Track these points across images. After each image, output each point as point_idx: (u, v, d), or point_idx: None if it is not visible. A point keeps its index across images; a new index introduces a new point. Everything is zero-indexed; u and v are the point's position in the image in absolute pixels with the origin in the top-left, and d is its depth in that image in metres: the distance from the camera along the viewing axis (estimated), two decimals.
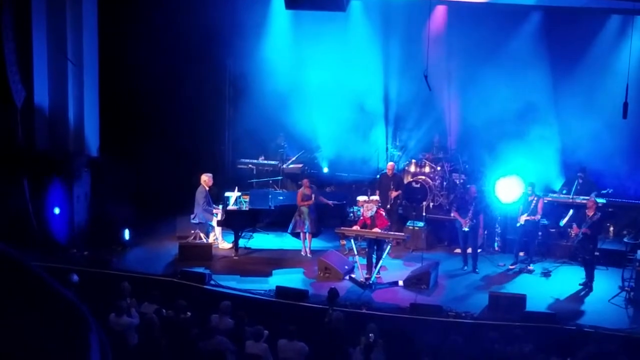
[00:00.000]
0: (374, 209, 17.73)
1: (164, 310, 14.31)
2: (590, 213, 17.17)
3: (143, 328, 13.47)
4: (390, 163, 21.14)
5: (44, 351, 1.01)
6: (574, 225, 17.59)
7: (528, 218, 18.17)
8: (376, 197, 18.76)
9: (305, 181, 19.45)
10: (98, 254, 18.11)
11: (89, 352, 1.08)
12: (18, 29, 16.77)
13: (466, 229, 18.22)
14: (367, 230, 17.56)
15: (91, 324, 1.09)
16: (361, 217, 18.20)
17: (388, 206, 19.64)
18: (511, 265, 18.46)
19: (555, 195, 19.93)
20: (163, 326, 13.57)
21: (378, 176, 21.69)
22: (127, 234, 18.96)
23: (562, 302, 16.19)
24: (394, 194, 20.29)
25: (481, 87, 20.86)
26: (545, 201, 18.67)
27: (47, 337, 1.03)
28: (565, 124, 20.45)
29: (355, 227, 17.88)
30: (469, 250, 18.37)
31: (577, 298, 16.58)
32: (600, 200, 18.86)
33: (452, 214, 18.97)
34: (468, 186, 19.48)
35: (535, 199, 18.28)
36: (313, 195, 19.08)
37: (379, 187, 20.42)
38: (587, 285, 17.01)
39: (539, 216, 18.24)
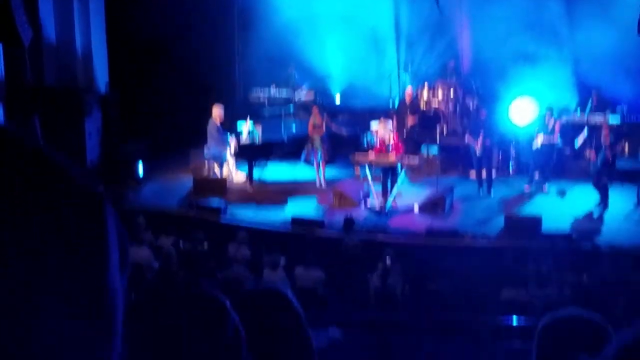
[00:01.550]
0: (390, 128, 17.61)
1: (180, 243, 14.37)
2: (606, 141, 17.03)
3: (161, 261, 13.54)
4: (409, 88, 21.00)
5: (53, 224, 0.97)
6: (592, 152, 17.50)
7: (546, 140, 18.05)
8: (388, 123, 18.53)
9: (314, 109, 19.33)
10: (112, 191, 18.14)
11: (105, 226, 1.04)
12: None
13: (479, 153, 18.16)
14: (381, 157, 17.49)
15: (104, 196, 1.05)
16: (376, 145, 18.10)
17: (405, 133, 19.54)
18: (526, 186, 18.41)
19: (569, 115, 19.78)
20: (180, 259, 13.64)
21: (394, 103, 21.58)
22: (140, 169, 18.97)
23: (577, 222, 16.16)
24: (410, 120, 20.18)
25: (494, 8, 20.60)
26: (562, 122, 18.55)
27: (58, 211, 0.99)
28: (579, 42, 20.23)
29: (370, 153, 17.80)
30: (484, 174, 18.32)
31: (593, 217, 16.54)
32: (615, 119, 18.75)
33: (465, 139, 18.89)
34: (479, 109, 19.38)
35: (552, 120, 18.16)
36: (324, 123, 18.99)
37: (396, 113, 20.30)
38: (603, 204, 16.94)
39: (557, 138, 18.13)
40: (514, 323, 11.04)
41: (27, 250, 0.96)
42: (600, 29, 19.61)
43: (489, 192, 18.07)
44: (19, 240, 0.96)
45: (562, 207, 17.28)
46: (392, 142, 17.45)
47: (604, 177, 16.95)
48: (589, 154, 17.50)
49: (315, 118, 19.01)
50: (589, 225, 16.01)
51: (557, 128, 18.10)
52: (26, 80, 18.34)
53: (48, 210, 0.98)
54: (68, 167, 1.06)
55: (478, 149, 18.15)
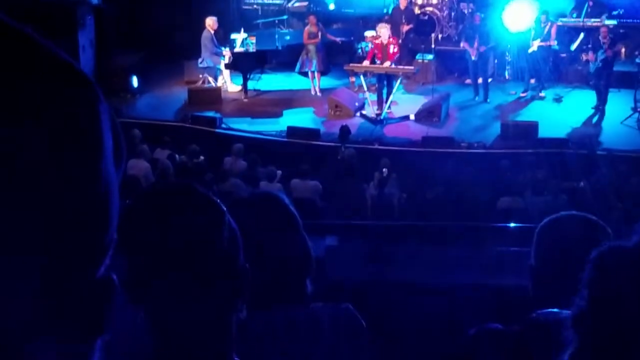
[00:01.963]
0: (387, 34, 17.50)
1: (176, 156, 14.36)
2: (604, 39, 16.91)
3: (157, 174, 13.54)
4: None
5: (43, 119, 0.94)
6: (590, 52, 17.37)
7: (542, 44, 17.94)
8: (387, 26, 18.28)
9: (311, 18, 19.15)
10: (107, 103, 18.03)
11: (99, 121, 1.01)
12: None
13: (475, 58, 18.05)
14: (376, 65, 17.40)
15: (98, 91, 1.01)
16: (370, 49, 17.99)
17: (400, 41, 19.37)
18: (522, 92, 18.35)
19: (565, 19, 19.60)
20: (177, 171, 13.63)
21: (389, 9, 21.33)
22: (135, 81, 18.85)
23: (574, 127, 16.15)
24: (405, 27, 19.98)
25: None
26: (557, 25, 18.40)
27: (51, 106, 0.95)
28: None
29: (365, 62, 17.69)
30: (480, 80, 18.23)
31: (589, 122, 16.54)
32: (611, 22, 18.60)
33: (461, 45, 18.76)
34: (480, 15, 19.16)
35: (549, 24, 18.02)
36: (320, 33, 18.83)
37: (390, 20, 20.08)
38: (599, 109, 16.91)
39: (553, 42, 18.01)
40: (512, 228, 11.08)
41: (14, 128, 0.93)
42: None
43: (485, 98, 18.01)
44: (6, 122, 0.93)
45: (558, 112, 17.27)
46: (388, 46, 17.33)
47: (603, 78, 16.89)
48: (588, 55, 17.37)
49: (311, 27, 18.83)
50: (586, 130, 16.01)
51: (553, 32, 17.97)
52: None
53: (38, 95, 0.95)
54: (58, 53, 1.02)
55: (473, 54, 18.03)
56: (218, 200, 1.91)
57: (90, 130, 0.99)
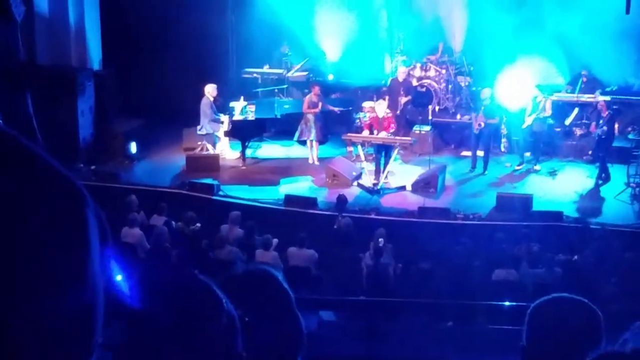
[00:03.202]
0: (382, 110, 17.65)
1: (173, 222, 14.39)
2: (604, 113, 17.14)
3: (153, 240, 13.56)
4: (402, 67, 20.99)
5: (35, 225, 1.00)
6: (592, 124, 17.59)
7: (537, 118, 18.09)
8: (384, 102, 18.47)
9: (315, 88, 19.26)
10: (105, 168, 18.14)
11: (87, 228, 1.08)
12: None
13: (472, 131, 18.23)
14: (373, 136, 17.54)
15: (87, 198, 1.08)
16: (367, 121, 18.15)
17: (398, 112, 19.53)
18: (517, 165, 18.48)
19: (559, 94, 19.84)
20: (173, 238, 13.66)
21: (387, 81, 21.57)
22: (133, 147, 18.95)
23: (568, 201, 16.24)
24: (403, 99, 20.19)
25: None
26: (552, 100, 18.59)
27: (39, 212, 1.02)
28: (569, 21, 20.21)
29: (364, 133, 17.80)
30: (480, 153, 18.36)
31: (583, 196, 16.62)
32: (605, 98, 18.85)
33: (457, 117, 18.93)
34: (480, 88, 19.33)
35: (543, 99, 18.21)
36: (319, 103, 19.00)
37: (388, 91, 20.27)
38: (605, 180, 17.03)
39: (548, 113, 18.18)
40: (506, 303, 11.10)
41: (6, 239, 0.98)
42: (591, 8, 19.64)
43: (484, 170, 18.10)
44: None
45: (553, 186, 17.38)
46: (384, 120, 17.50)
47: (602, 150, 17.07)
48: (591, 128, 17.60)
49: (313, 96, 18.98)
50: (580, 204, 16.09)
51: (547, 106, 18.17)
52: (19, 57, 18.28)
53: (29, 202, 1.01)
54: (46, 159, 1.08)
55: (473, 127, 18.20)
56: (216, 290, 1.94)
57: (76, 237, 1.05)
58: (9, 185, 1.01)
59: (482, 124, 18.12)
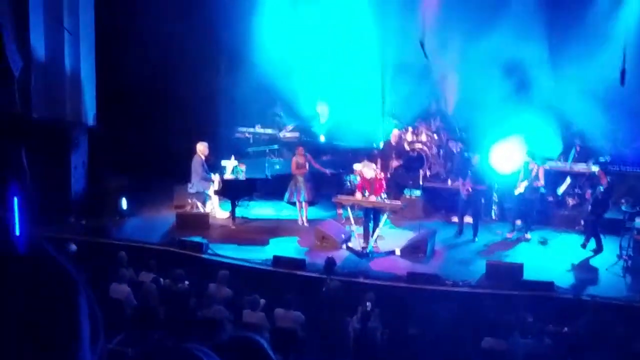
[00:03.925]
0: (373, 172, 17.65)
1: (161, 280, 14.32)
2: (602, 180, 17.18)
3: (141, 297, 13.49)
4: (395, 131, 21.09)
5: (30, 311, 0.99)
6: (588, 191, 17.67)
7: (529, 186, 18.11)
8: (371, 164, 18.48)
9: (299, 149, 19.37)
10: (96, 223, 18.10)
11: (78, 314, 1.07)
12: None
13: (462, 197, 18.26)
14: (363, 199, 17.53)
15: (79, 286, 1.08)
16: (358, 182, 18.15)
17: (388, 175, 19.57)
18: (508, 233, 18.48)
19: (552, 163, 19.91)
20: (161, 295, 13.59)
21: (379, 144, 21.67)
22: (124, 203, 18.94)
23: (559, 271, 16.19)
24: (395, 163, 20.25)
25: (478, 53, 20.78)
26: (545, 169, 18.64)
27: (34, 299, 1.01)
28: (563, 90, 20.38)
29: (357, 195, 17.78)
30: (468, 219, 18.37)
31: (575, 266, 16.57)
32: (597, 168, 18.91)
33: (449, 182, 18.97)
34: (470, 154, 19.42)
35: (536, 167, 18.26)
36: (307, 163, 19.04)
37: (380, 154, 20.35)
38: (597, 251, 17.02)
39: (541, 183, 18.21)
40: None
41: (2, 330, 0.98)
42: (585, 79, 19.80)
43: (474, 237, 18.08)
44: None
45: (544, 255, 17.35)
46: (375, 184, 17.50)
47: (596, 216, 17.09)
48: (586, 194, 17.65)
49: (298, 157, 19.06)
50: (571, 274, 16.05)
51: (540, 174, 18.20)
52: (14, 111, 18.32)
53: (23, 292, 1.01)
54: (50, 254, 1.09)
55: (461, 193, 18.23)
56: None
57: (67, 323, 1.04)
58: (3, 267, 1.01)
59: (470, 189, 18.17)
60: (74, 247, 15.04)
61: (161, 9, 20.59)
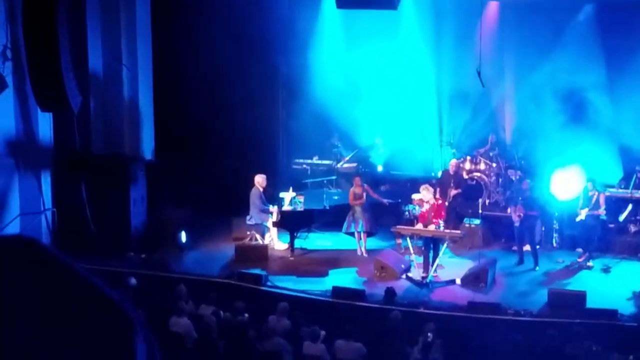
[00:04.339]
0: (431, 195, 17.58)
1: (221, 312, 14.35)
2: None
3: (201, 330, 13.53)
4: (453, 160, 21.03)
5: (87, 353, 1.00)
6: None
7: (590, 213, 17.95)
8: (430, 188, 18.34)
9: (356, 179, 19.36)
10: (155, 257, 18.24)
11: (134, 354, 1.07)
12: (73, 35, 17.00)
13: (517, 224, 18.10)
14: (422, 229, 17.46)
15: (136, 325, 1.08)
16: (420, 212, 18.05)
17: (446, 203, 19.49)
18: (570, 261, 18.25)
19: (613, 189, 19.68)
20: (220, 328, 13.62)
21: (437, 173, 21.65)
22: (183, 237, 19.05)
23: (622, 299, 15.94)
24: (453, 191, 20.17)
25: (535, 82, 20.74)
26: (606, 196, 18.44)
27: (91, 339, 1.02)
28: (622, 117, 20.22)
29: (417, 224, 17.72)
30: (527, 247, 18.20)
31: (638, 294, 16.30)
32: None
33: (508, 210, 18.86)
34: (530, 182, 19.30)
35: (596, 193, 18.07)
36: (364, 194, 19.02)
37: (439, 184, 20.29)
38: None
39: (602, 211, 18.00)
40: None
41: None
42: None
43: (535, 265, 17.89)
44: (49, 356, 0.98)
45: (606, 283, 17.11)
46: (435, 209, 17.44)
47: None
48: (637, 227, 17.44)
49: (356, 188, 19.05)
50: (635, 302, 15.78)
51: (601, 201, 18.00)
52: (74, 147, 18.64)
53: (79, 330, 1.01)
54: (106, 293, 1.09)
55: (520, 221, 18.08)
56: None
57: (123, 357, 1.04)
58: (63, 310, 1.02)
59: (521, 215, 18.02)
60: (134, 281, 15.16)
61: (219, 42, 20.81)
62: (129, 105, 19.68)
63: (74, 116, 17.94)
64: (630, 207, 19.01)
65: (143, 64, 19.82)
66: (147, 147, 20.15)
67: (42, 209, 18.03)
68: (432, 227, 17.32)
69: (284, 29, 21.57)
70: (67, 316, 1.02)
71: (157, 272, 17.24)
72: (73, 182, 18.49)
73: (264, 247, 18.86)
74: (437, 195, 18.34)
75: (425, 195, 17.62)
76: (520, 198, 18.30)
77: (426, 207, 17.59)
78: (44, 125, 18.09)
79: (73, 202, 18.38)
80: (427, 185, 18.04)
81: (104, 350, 1.03)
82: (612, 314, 14.64)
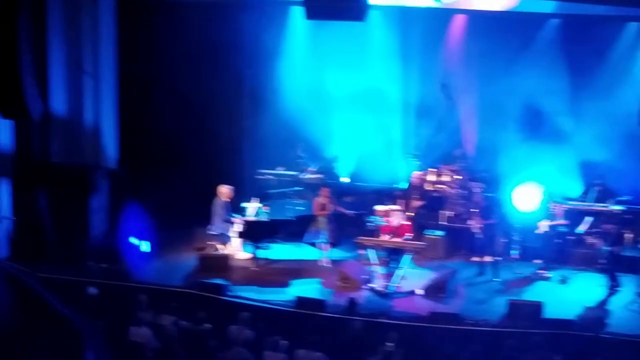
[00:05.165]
0: (400, 219, 17.75)
1: (182, 322, 14.32)
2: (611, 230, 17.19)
3: (161, 340, 13.50)
4: (417, 172, 21.17)
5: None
6: (597, 241, 17.69)
7: (549, 224, 18.15)
8: (397, 207, 18.51)
9: (324, 190, 19.40)
10: (116, 267, 18.16)
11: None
12: (34, 42, 16.90)
13: (483, 237, 18.26)
14: (386, 240, 17.57)
15: (87, 338, 1.13)
16: (386, 224, 18.18)
17: (410, 216, 19.59)
18: (529, 272, 18.43)
19: (573, 202, 19.89)
20: (181, 338, 13.59)
21: (401, 185, 21.77)
22: (145, 246, 18.99)
23: (579, 309, 16.12)
24: (416, 203, 20.28)
25: (499, 94, 20.91)
26: (565, 208, 18.63)
27: (42, 353, 1.08)
28: (583, 131, 20.46)
29: (381, 237, 17.82)
30: (487, 258, 18.36)
31: (595, 305, 16.50)
32: (619, 207, 18.94)
33: (470, 222, 19.00)
34: (492, 195, 19.48)
35: (555, 206, 18.30)
36: (330, 205, 19.06)
37: (402, 195, 20.35)
38: (612, 289, 16.96)
39: (562, 220, 18.18)
40: None
41: None
42: (605, 119, 19.89)
43: (494, 276, 18.04)
44: None
45: (564, 294, 17.33)
46: (401, 228, 17.57)
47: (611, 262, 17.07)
48: (594, 239, 17.62)
49: (322, 199, 19.09)
50: (591, 313, 15.96)
51: (560, 213, 18.20)
52: (34, 155, 18.53)
53: (30, 343, 1.07)
54: (54, 303, 1.15)
55: (482, 232, 18.23)
56: None
57: None
58: (14, 324, 1.07)
59: (481, 227, 18.19)
60: (94, 290, 15.10)
61: (184, 51, 20.83)
62: (91, 113, 19.57)
63: (34, 124, 17.86)
64: (589, 219, 19.20)
65: (106, 72, 19.69)
66: (110, 156, 20.04)
67: (1, 217, 17.91)
68: (395, 239, 17.44)
69: (251, 39, 21.58)
70: (18, 330, 1.07)
71: (118, 281, 17.14)
72: (33, 190, 18.37)
73: (227, 257, 18.84)
74: (402, 207, 18.43)
75: (393, 220, 17.77)
76: (486, 214, 18.44)
77: (387, 219, 17.71)
78: (4, 133, 17.92)
79: (33, 211, 18.26)
80: (393, 208, 18.11)
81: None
82: (568, 324, 14.79)
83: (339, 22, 19.77)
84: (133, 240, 18.81)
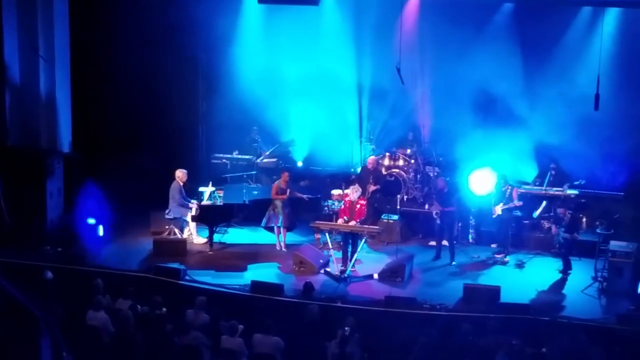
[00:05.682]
0: (358, 194, 17.69)
1: (138, 306, 14.25)
2: (565, 218, 17.32)
3: (118, 324, 13.42)
4: (372, 157, 21.21)
5: None
6: (553, 227, 17.84)
7: (504, 207, 18.27)
8: (358, 188, 18.44)
9: (285, 174, 19.29)
10: (72, 251, 18.02)
11: (39, 354, 1.11)
12: None
13: (439, 221, 18.33)
14: (341, 224, 17.58)
15: (42, 325, 1.11)
16: (340, 208, 18.19)
17: (365, 200, 19.62)
18: (485, 257, 18.56)
19: (528, 186, 20.04)
20: (138, 322, 13.51)
21: (357, 169, 21.80)
22: (101, 230, 18.84)
23: (535, 293, 16.28)
24: (372, 187, 20.32)
25: (453, 79, 20.94)
26: (519, 192, 18.75)
27: None
28: (538, 115, 20.58)
29: (339, 220, 17.81)
30: (445, 243, 18.45)
31: (551, 289, 16.68)
32: (573, 192, 19.08)
33: (425, 207, 19.07)
34: (447, 178, 19.55)
35: (509, 188, 18.42)
36: (288, 190, 19.05)
37: (357, 179, 20.37)
38: (566, 274, 17.15)
39: (517, 202, 18.30)
40: None
41: None
42: (560, 104, 20.02)
43: (451, 260, 18.14)
44: None
45: (520, 278, 17.45)
46: (356, 208, 17.55)
47: (564, 247, 17.24)
48: (552, 230, 17.84)
49: (281, 183, 19.04)
50: (547, 297, 16.13)
51: (514, 195, 18.33)
52: None
53: None
54: (12, 295, 1.13)
55: (438, 217, 18.31)
56: None
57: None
58: None
59: (439, 212, 18.28)
60: (50, 274, 14.97)
61: (139, 34, 20.65)
62: (46, 97, 19.41)
63: None
64: (544, 203, 19.36)
65: (61, 56, 19.54)
66: (65, 140, 19.88)
67: None
68: (351, 223, 17.44)
69: (205, 23, 21.42)
70: None
71: (74, 265, 17.02)
72: None
73: (183, 242, 18.78)
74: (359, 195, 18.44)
75: (352, 195, 17.71)
76: (441, 198, 18.50)
77: (349, 201, 17.67)
78: None
79: None
80: (357, 187, 18.06)
81: (8, 350, 1.06)
82: (525, 308, 14.93)
83: (293, 7, 19.73)
84: (89, 223, 18.64)
